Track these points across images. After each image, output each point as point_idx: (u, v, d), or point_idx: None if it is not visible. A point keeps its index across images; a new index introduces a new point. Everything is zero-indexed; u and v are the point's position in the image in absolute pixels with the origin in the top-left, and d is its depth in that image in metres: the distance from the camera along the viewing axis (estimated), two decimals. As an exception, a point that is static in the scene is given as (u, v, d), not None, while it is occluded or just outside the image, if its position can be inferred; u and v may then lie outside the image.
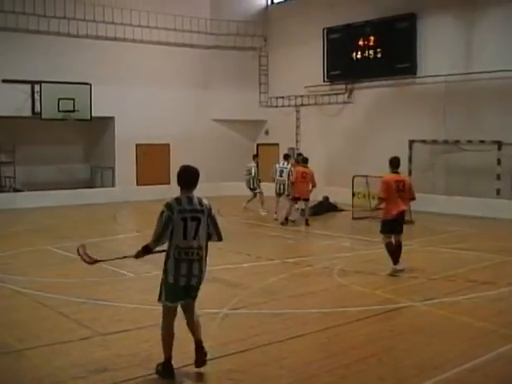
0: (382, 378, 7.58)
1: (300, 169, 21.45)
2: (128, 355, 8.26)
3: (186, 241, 7.44)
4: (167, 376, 7.50)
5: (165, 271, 7.53)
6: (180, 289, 7.54)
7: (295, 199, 21.50)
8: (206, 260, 7.70)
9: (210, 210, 7.67)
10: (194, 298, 7.76)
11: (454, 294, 11.50)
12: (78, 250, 8.35)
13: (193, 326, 7.93)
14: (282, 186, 22.39)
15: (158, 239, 7.48)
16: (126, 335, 9.22)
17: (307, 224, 21.05)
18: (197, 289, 7.71)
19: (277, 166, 22.97)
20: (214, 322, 9.82)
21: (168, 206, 7.48)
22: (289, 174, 21.94)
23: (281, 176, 22.47)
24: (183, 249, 7.43)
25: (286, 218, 21.33)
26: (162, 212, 7.47)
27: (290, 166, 22.30)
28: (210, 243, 7.75)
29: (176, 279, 7.44)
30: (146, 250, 7.57)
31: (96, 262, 8.44)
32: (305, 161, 21.85)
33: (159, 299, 7.67)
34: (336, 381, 7.53)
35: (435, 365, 7.89)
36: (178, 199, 7.53)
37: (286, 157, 23.30)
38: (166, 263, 7.52)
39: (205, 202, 7.67)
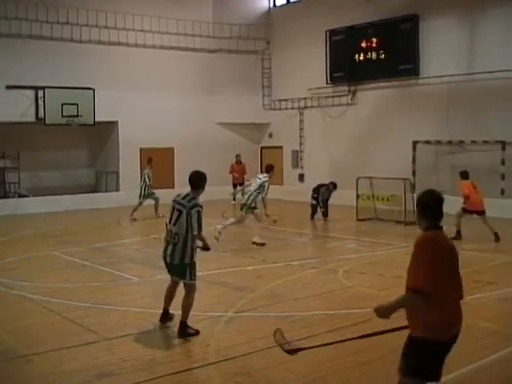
0: (388, 379, 7.57)
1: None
2: (133, 359, 8.27)
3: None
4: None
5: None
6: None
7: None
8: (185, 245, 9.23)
9: (189, 208, 9.18)
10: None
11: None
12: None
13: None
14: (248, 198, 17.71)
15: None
16: (131, 339, 9.22)
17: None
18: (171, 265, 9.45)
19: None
20: (218, 325, 9.83)
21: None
22: (260, 187, 17.37)
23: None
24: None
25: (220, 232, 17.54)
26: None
27: (266, 179, 17.62)
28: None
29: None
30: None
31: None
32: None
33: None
34: (342, 383, 7.53)
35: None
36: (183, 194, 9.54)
37: (268, 168, 18.52)
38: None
39: (191, 202, 9.26)
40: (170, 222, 9.37)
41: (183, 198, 9.37)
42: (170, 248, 9.30)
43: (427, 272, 5.47)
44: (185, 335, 9.17)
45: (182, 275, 9.37)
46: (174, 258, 9.26)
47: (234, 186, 29.55)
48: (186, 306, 9.30)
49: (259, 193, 17.50)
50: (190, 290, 9.34)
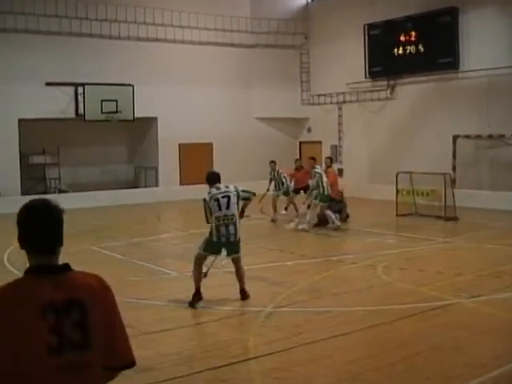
0: (429, 376, 7.48)
1: None
2: (171, 354, 8.28)
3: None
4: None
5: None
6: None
7: None
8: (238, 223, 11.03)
9: (234, 191, 11.08)
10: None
11: (501, 291, 11.33)
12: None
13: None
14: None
15: None
16: (170, 334, 9.24)
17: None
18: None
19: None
20: (257, 320, 9.80)
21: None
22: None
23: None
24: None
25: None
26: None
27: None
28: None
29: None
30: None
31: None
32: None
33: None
34: (381, 379, 7.45)
35: (483, 363, 7.77)
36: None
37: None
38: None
39: (229, 187, 11.10)
40: (220, 209, 10.74)
41: (221, 189, 10.99)
42: (231, 228, 10.79)
43: None
44: (247, 297, 11.04)
45: (238, 250, 11.02)
46: (237, 235, 10.87)
47: (297, 191, 23.26)
48: (244, 274, 11.15)
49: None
50: (240, 261, 11.11)
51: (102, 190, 28.28)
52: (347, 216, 20.95)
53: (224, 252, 10.91)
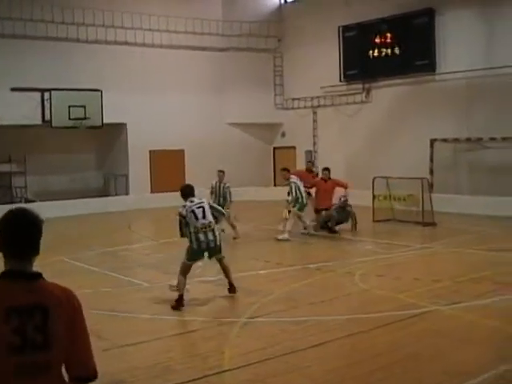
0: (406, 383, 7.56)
1: None
2: (145, 367, 8.27)
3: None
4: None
5: None
6: None
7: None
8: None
9: (207, 202, 12.16)
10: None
11: (481, 297, 11.42)
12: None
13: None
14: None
15: None
16: (144, 346, 9.23)
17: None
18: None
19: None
20: (232, 330, 9.81)
21: None
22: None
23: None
24: None
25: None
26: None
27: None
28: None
29: None
30: None
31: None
32: None
33: None
34: (360, 389, 7.51)
35: (462, 370, 7.84)
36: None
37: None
38: None
39: (202, 199, 12.08)
40: (197, 219, 11.49)
41: (195, 201, 11.76)
42: (210, 234, 11.57)
43: None
44: (235, 291, 12.03)
45: (220, 251, 11.96)
46: (217, 241, 11.72)
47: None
48: (230, 270, 12.13)
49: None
50: (224, 258, 12.07)
51: (70, 199, 28.11)
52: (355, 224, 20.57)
53: (206, 255, 11.80)
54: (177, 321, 10.69)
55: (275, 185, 33.37)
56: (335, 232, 19.99)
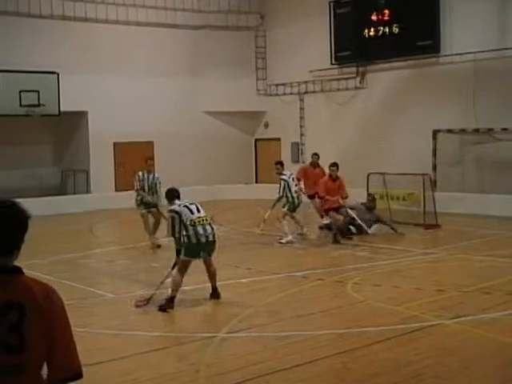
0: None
1: None
2: (110, 389, 8.25)
3: None
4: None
5: None
6: None
7: None
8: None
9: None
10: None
11: (490, 310, 11.47)
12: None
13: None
14: None
15: None
16: (105, 367, 9.18)
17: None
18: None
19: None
20: (209, 347, 9.80)
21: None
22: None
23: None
24: None
25: None
26: None
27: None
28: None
29: None
30: None
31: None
32: None
33: None
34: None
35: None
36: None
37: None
38: None
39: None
40: (192, 213, 12.20)
41: (185, 201, 12.57)
42: (208, 227, 12.27)
43: None
44: (219, 296, 12.61)
45: (214, 249, 12.57)
46: (215, 234, 12.48)
47: (311, 197, 22.47)
48: (215, 272, 12.68)
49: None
50: (212, 259, 12.64)
51: (23, 198, 27.80)
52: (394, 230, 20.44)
53: (202, 254, 12.36)
54: (146, 336, 10.65)
55: (257, 181, 33.41)
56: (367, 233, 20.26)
